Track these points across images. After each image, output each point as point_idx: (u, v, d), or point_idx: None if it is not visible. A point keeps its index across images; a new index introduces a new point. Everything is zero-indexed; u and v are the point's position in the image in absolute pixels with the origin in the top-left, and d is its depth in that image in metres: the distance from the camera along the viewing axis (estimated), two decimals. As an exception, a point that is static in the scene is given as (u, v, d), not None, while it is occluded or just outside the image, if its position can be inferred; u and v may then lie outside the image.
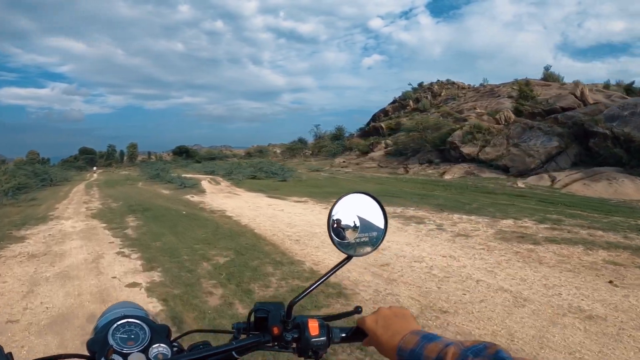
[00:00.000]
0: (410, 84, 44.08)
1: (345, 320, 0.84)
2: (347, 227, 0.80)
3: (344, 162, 33.63)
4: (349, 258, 0.81)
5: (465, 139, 22.62)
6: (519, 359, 0.52)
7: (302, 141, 65.49)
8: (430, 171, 22.75)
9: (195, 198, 15.54)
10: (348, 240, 0.80)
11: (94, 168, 61.58)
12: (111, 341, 0.77)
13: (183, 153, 77.05)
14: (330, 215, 0.80)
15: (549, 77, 31.06)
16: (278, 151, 71.44)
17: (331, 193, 14.80)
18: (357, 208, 0.81)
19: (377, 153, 32.29)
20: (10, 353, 0.64)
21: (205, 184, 21.64)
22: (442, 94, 40.45)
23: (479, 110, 28.66)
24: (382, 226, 0.83)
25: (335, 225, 0.80)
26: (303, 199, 14.06)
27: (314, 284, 0.81)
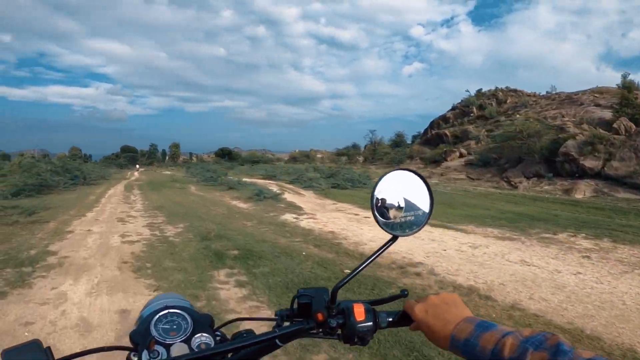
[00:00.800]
0: (467, 91, 41.68)
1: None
2: (392, 206, 0.76)
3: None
4: (394, 238, 0.76)
5: (584, 150, 18.96)
6: (579, 351, 0.50)
7: (355, 147, 61.74)
8: (546, 187, 18.64)
9: (305, 222, 9.07)
10: (392, 220, 0.76)
11: (137, 166, 60.68)
12: (153, 332, 0.75)
13: (225, 155, 73.25)
14: (373, 194, 0.75)
15: (631, 86, 26.07)
16: (320, 156, 68.92)
17: (495, 217, 9.94)
18: (401, 186, 0.77)
19: (454, 163, 29.28)
20: (49, 347, 0.61)
21: (282, 192, 15.13)
22: (508, 101, 38.25)
23: (567, 119, 25.67)
24: (427, 204, 0.78)
25: (379, 204, 0.75)
26: (480, 228, 8.49)
27: (359, 266, 0.76)
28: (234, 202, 12.96)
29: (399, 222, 0.76)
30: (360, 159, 51.33)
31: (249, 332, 0.79)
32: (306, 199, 13.97)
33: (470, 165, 26.88)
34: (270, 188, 16.77)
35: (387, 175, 0.77)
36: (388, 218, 0.76)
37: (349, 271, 0.91)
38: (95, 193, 15.99)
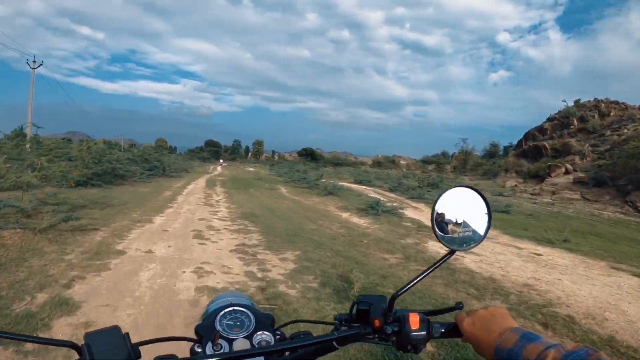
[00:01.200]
0: (564, 101, 37.92)
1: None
2: (450, 221, 0.77)
3: (516, 186, 27.72)
4: (452, 252, 0.78)
5: None
6: None
7: (444, 155, 58.58)
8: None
9: (470, 262, 5.44)
10: (451, 235, 0.77)
11: (220, 161, 61.20)
12: (218, 327, 0.78)
13: (308, 155, 71.70)
14: (434, 209, 0.77)
15: None
16: (404, 162, 67.12)
17: None
18: (460, 202, 0.78)
19: (560, 179, 26.24)
20: (127, 334, 0.64)
21: (398, 205, 11.47)
22: (612, 113, 34.32)
23: None
24: (485, 220, 0.79)
25: (439, 219, 0.77)
26: None
27: (417, 277, 0.77)
28: (345, 215, 9.66)
29: (456, 237, 0.77)
30: (449, 167, 47.98)
31: (307, 333, 0.82)
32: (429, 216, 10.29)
33: (582, 184, 23.82)
34: (373, 196, 13.42)
35: (449, 191, 0.78)
36: (446, 232, 0.77)
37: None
38: (172, 187, 13.70)
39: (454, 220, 0.78)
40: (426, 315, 0.76)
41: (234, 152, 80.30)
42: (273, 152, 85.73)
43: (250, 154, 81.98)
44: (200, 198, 11.24)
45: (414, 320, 0.73)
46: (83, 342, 0.62)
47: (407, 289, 0.76)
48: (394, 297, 0.75)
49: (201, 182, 17.49)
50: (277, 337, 0.81)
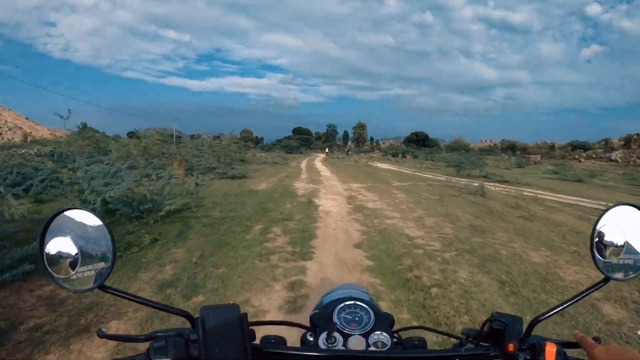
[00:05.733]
0: None
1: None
2: (611, 244, 0.70)
3: None
4: (606, 280, 0.70)
5: None
6: None
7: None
8: None
9: None
10: (609, 260, 0.70)
11: (326, 150, 50.82)
12: (335, 319, 0.77)
13: (420, 141, 64.99)
14: (595, 228, 0.70)
15: None
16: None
17: None
18: (626, 224, 0.70)
19: None
20: (245, 314, 0.64)
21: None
22: None
23: None
24: None
25: (597, 239, 0.70)
26: None
27: (564, 303, 0.71)
28: None
29: (615, 263, 0.70)
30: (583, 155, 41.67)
31: (421, 340, 0.79)
32: None
33: None
34: None
35: (613, 209, 0.71)
36: (604, 256, 0.70)
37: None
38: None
39: (616, 243, 0.69)
40: (563, 347, 0.68)
41: (328, 140, 74.40)
42: (372, 138, 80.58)
43: (350, 141, 74.87)
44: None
45: (550, 352, 0.66)
46: (199, 315, 0.62)
47: (550, 315, 0.71)
48: (534, 322, 0.69)
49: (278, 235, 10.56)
50: (394, 340, 0.76)
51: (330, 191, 11.00)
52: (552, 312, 0.70)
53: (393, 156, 43.50)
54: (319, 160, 34.40)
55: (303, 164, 26.15)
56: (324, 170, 20.25)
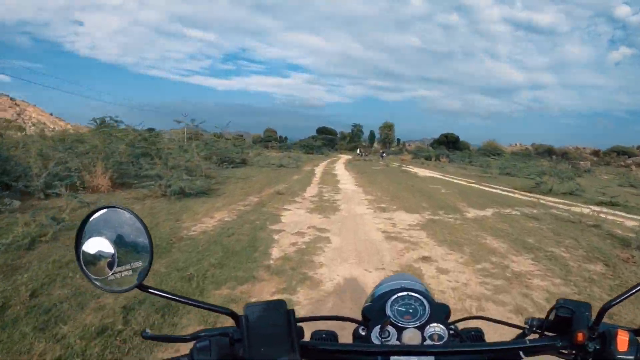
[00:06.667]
0: None
1: None
2: None
3: None
4: None
5: None
6: None
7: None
8: None
9: None
10: None
11: (358, 151, 45.72)
12: (389, 312, 0.73)
13: (450, 143, 60.73)
14: None
15: None
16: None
17: None
18: None
19: None
20: (292, 310, 0.61)
21: None
22: None
23: None
24: None
25: None
26: None
27: (634, 288, 0.63)
28: None
29: None
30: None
31: (478, 331, 0.76)
32: None
33: None
34: None
35: None
36: None
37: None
38: None
39: None
40: (636, 335, 0.63)
41: (353, 140, 70.66)
42: (398, 140, 75.68)
43: (376, 142, 71.20)
44: None
45: (623, 340, 0.60)
46: (243, 313, 0.60)
47: (622, 300, 0.64)
48: (605, 308, 0.63)
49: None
50: (451, 331, 0.73)
51: (351, 242, 5.33)
52: (624, 297, 0.64)
53: (426, 159, 39.96)
54: (342, 162, 29.32)
55: (319, 169, 21.26)
56: (345, 179, 15.22)
